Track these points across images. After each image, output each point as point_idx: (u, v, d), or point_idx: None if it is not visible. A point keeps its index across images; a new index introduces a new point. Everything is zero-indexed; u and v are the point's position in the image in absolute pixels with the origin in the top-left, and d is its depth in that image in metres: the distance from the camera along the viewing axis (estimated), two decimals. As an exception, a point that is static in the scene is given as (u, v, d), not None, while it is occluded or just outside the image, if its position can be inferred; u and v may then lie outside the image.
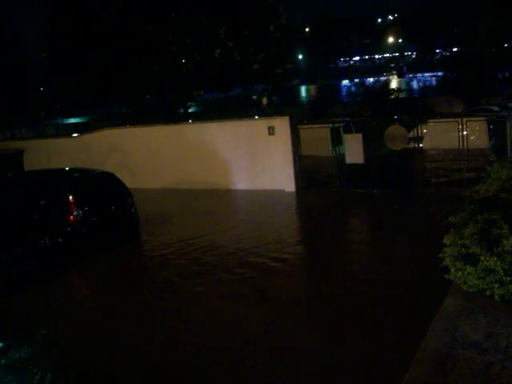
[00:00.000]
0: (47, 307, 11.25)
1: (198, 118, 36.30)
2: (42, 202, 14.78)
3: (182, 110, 36.42)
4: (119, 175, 16.09)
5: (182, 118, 33.50)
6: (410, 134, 19.66)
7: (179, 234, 15.61)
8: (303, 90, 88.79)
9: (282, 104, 44.35)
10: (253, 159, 20.24)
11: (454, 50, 50.74)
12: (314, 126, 22.99)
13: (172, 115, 32.87)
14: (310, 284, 11.50)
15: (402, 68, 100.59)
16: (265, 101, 46.30)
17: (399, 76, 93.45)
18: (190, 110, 39.28)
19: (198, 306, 10.50)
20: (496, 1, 25.30)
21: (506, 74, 27.60)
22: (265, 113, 36.33)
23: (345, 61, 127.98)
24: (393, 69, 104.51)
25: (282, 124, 19.59)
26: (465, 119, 18.29)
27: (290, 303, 10.23)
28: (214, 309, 10.27)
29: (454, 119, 19.54)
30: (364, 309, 9.61)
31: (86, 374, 8.44)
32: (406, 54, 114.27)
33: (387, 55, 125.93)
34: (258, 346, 8.65)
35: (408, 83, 76.95)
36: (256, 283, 11.32)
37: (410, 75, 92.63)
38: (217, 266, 12.60)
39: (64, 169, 17.42)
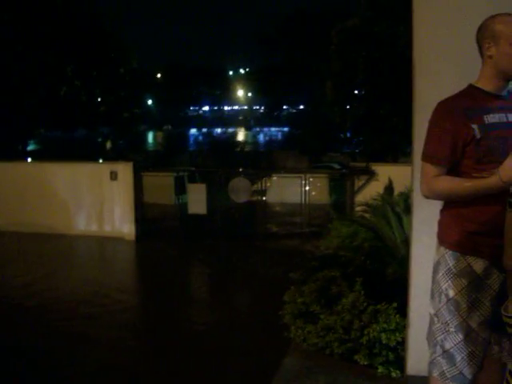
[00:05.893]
0: None
1: (38, 156, 34.68)
2: None
3: (20, 147, 34.71)
4: None
5: (20, 156, 31.78)
6: (254, 187, 19.85)
7: None
8: (150, 136, 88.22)
9: (127, 149, 43.64)
10: (93, 204, 19.35)
11: (301, 107, 53.01)
12: (159, 173, 22.62)
13: (9, 151, 31.04)
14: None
15: (250, 121, 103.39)
16: (109, 144, 45.38)
17: (247, 129, 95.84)
18: (29, 148, 37.57)
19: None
20: (342, 64, 26.64)
21: (348, 135, 29.09)
22: (109, 157, 35.50)
23: (194, 110, 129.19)
24: (241, 121, 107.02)
25: (125, 169, 18.97)
26: (307, 175, 18.75)
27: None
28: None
29: (297, 174, 20.04)
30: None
31: None
32: (254, 107, 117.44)
33: (236, 107, 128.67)
34: None
35: (255, 136, 79.06)
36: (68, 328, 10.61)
37: (257, 129, 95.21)
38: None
39: None
